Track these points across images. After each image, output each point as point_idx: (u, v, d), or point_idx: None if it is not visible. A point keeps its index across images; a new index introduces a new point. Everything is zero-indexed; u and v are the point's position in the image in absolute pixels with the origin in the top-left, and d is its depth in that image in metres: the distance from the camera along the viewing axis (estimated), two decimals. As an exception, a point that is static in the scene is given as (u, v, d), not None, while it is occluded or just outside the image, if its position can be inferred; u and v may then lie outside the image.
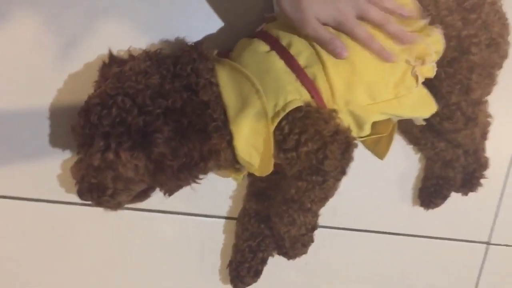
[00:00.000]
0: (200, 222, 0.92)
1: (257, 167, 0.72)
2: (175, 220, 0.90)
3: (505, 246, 1.19)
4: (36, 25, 0.75)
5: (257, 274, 0.90)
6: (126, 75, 0.67)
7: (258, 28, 0.80)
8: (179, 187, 0.72)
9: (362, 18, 0.72)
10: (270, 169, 0.72)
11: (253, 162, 0.72)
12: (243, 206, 0.91)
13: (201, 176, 0.71)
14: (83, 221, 0.85)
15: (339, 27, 0.71)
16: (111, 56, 0.74)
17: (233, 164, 0.75)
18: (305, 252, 0.83)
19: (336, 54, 0.70)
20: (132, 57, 0.73)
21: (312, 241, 0.82)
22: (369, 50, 0.72)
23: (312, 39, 0.71)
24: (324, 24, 0.71)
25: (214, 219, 0.93)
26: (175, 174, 0.67)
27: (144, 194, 0.76)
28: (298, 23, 0.70)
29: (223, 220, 0.93)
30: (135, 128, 0.64)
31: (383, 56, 0.72)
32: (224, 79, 0.71)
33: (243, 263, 0.89)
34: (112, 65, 0.72)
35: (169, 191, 0.72)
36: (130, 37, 0.78)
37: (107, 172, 0.68)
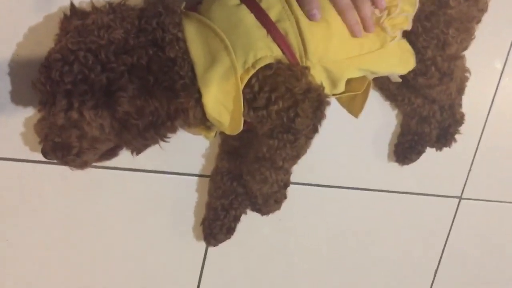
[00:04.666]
0: (172, 180, 0.91)
1: (227, 125, 0.71)
2: (146, 178, 0.89)
3: (476, 201, 1.22)
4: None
5: (229, 231, 0.90)
6: (88, 29, 0.64)
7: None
8: (146, 146, 0.70)
9: None
10: (240, 127, 0.70)
11: (223, 120, 0.70)
12: (216, 164, 0.90)
13: (169, 135, 0.70)
14: (49, 180, 0.83)
15: None
16: (72, 7, 0.70)
17: (203, 122, 0.73)
18: (278, 209, 0.84)
19: (310, 15, 0.68)
20: (95, 9, 0.69)
21: (285, 197, 0.83)
22: (343, 19, 0.71)
23: None
24: None
25: (186, 177, 0.92)
26: (140, 133, 0.65)
27: (112, 153, 0.74)
28: None
29: (195, 178, 0.93)
30: (98, 86, 0.62)
31: (354, 29, 0.72)
32: (192, 34, 0.68)
33: (216, 221, 0.89)
34: (74, 18, 0.68)
35: (136, 150, 0.71)
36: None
37: (71, 131, 0.66)
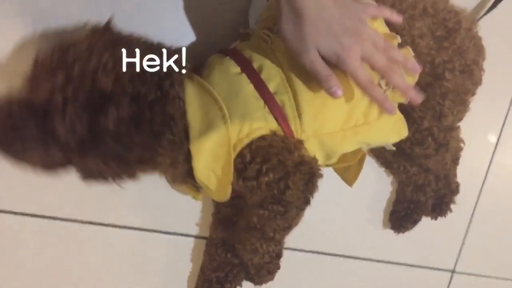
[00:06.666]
0: (168, 241, 0.89)
1: (214, 191, 0.70)
2: (140, 236, 0.86)
3: (469, 275, 1.19)
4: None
5: None
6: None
7: (231, 45, 0.78)
8: (98, 175, 0.65)
9: (363, 60, 0.67)
10: (227, 196, 0.69)
11: (211, 186, 0.69)
12: (210, 235, 0.88)
13: (124, 176, 0.66)
14: (32, 234, 0.80)
15: (339, 65, 0.66)
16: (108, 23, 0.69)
17: (190, 182, 0.72)
18: (271, 279, 0.81)
19: (331, 93, 0.66)
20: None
21: (278, 268, 0.80)
22: (368, 96, 0.69)
23: (308, 71, 0.67)
24: (323, 57, 0.66)
25: (181, 237, 0.90)
26: (104, 155, 0.62)
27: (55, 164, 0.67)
28: (296, 50, 0.66)
29: (191, 239, 0.90)
30: (99, 89, 0.60)
31: (385, 107, 0.69)
32: (192, 97, 0.68)
33: None
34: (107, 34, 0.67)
35: (85, 172, 0.66)
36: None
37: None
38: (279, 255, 0.78)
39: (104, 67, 0.61)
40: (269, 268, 0.78)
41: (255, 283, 0.82)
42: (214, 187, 0.69)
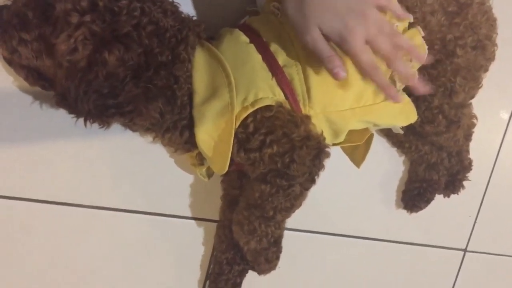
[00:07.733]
0: (180, 224, 0.89)
1: (213, 161, 0.69)
2: (155, 221, 0.86)
3: (481, 254, 1.19)
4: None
5: (235, 286, 0.87)
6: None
7: (240, 22, 0.77)
8: (72, 101, 0.61)
9: (367, 43, 0.63)
10: (226, 167, 0.68)
11: (210, 154, 0.69)
12: (219, 217, 0.88)
13: (96, 119, 0.62)
14: (40, 219, 0.79)
15: (342, 45, 0.63)
16: None
17: (188, 149, 0.73)
18: (272, 268, 0.79)
19: (333, 74, 0.63)
20: None
21: (277, 258, 0.78)
22: (371, 81, 0.65)
23: (310, 50, 0.64)
24: (326, 37, 0.63)
25: (194, 221, 0.90)
26: (87, 88, 0.60)
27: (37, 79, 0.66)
28: (298, 28, 0.64)
29: (203, 222, 0.91)
30: (116, 27, 0.60)
31: (389, 93, 0.65)
32: (200, 62, 0.68)
33: (221, 275, 0.86)
34: None
35: (60, 96, 0.62)
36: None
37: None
38: (277, 242, 0.75)
39: (129, 11, 0.60)
40: (267, 256, 0.76)
41: (258, 272, 0.81)
42: (213, 156, 0.68)
